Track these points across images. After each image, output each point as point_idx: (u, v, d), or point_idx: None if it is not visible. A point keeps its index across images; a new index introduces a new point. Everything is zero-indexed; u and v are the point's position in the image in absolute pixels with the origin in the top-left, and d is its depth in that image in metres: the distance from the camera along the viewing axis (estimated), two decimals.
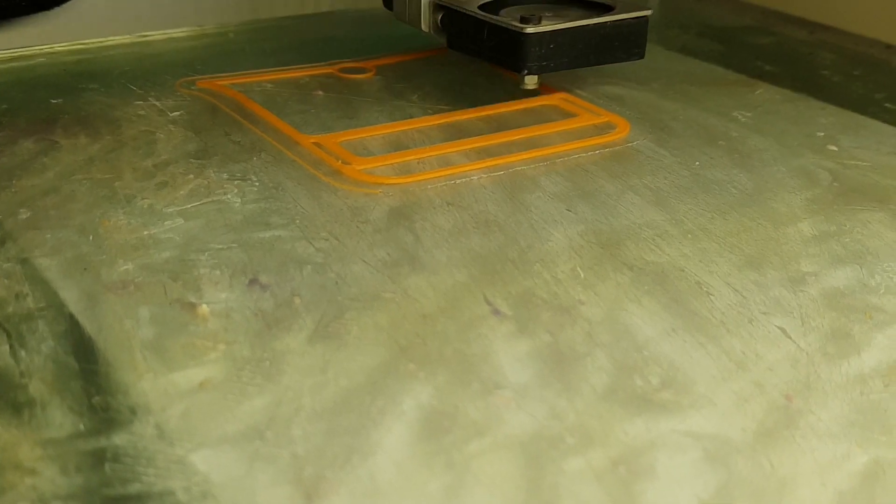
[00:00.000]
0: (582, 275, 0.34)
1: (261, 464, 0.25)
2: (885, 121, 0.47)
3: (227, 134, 0.44)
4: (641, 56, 0.47)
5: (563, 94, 0.48)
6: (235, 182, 0.39)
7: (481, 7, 0.47)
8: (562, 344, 0.30)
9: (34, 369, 0.28)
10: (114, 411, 0.27)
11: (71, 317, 0.31)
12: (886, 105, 0.49)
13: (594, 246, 0.35)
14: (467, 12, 0.46)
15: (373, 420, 0.27)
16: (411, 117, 0.46)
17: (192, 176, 0.40)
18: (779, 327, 0.31)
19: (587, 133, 0.45)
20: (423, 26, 0.49)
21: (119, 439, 0.26)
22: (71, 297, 0.32)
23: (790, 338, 0.31)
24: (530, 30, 0.44)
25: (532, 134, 0.44)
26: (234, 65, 0.52)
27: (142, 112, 0.46)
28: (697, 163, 0.42)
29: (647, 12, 0.47)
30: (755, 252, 0.35)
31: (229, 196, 0.38)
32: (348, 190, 0.39)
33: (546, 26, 0.44)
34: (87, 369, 0.28)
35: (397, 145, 0.43)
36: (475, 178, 0.40)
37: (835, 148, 0.44)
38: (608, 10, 0.47)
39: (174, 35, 0.57)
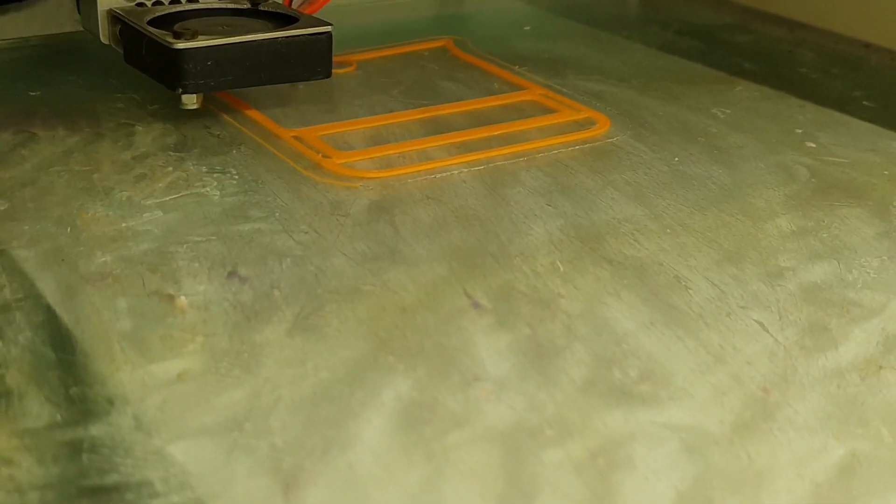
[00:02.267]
0: (561, 269, 0.34)
1: (239, 455, 0.25)
2: (862, 118, 0.47)
3: (207, 127, 0.43)
4: (327, 75, 0.43)
5: (543, 90, 0.49)
6: (215, 175, 0.39)
7: (158, 18, 0.43)
8: (541, 337, 0.30)
9: (11, 360, 0.28)
10: (91, 402, 0.27)
11: (48, 308, 0.31)
12: (864, 103, 0.50)
13: (574, 240, 0.35)
14: (132, 24, 0.42)
15: (352, 412, 0.27)
16: (392, 111, 0.46)
17: (171, 168, 0.39)
18: (756, 321, 0.31)
19: (567, 129, 0.45)
20: (103, 37, 0.44)
21: (96, 430, 0.26)
22: (48, 288, 0.32)
23: (768, 331, 0.31)
24: (181, 45, 0.40)
25: (512, 129, 0.44)
26: None
27: (121, 105, 0.46)
28: (677, 159, 0.42)
29: (328, 28, 0.42)
30: (733, 247, 0.35)
31: (208, 189, 0.38)
32: (328, 183, 0.39)
33: (201, 42, 0.40)
34: (65, 360, 0.28)
35: (378, 139, 0.43)
36: (455, 172, 0.40)
37: (813, 145, 0.44)
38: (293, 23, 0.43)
39: None
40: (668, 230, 0.36)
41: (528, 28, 0.60)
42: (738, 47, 0.58)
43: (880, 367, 0.29)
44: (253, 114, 0.45)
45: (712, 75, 0.53)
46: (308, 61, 0.42)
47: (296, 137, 0.43)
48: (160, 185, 0.38)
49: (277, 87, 0.48)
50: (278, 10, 0.45)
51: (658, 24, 0.63)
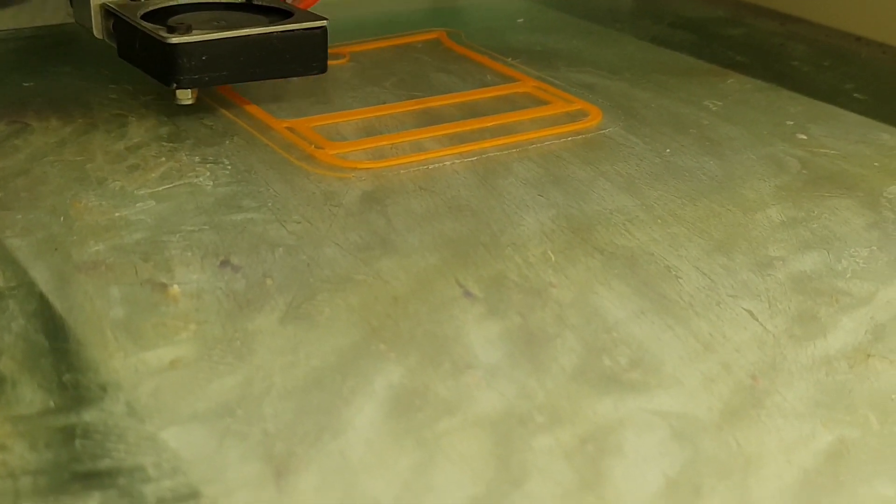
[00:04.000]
0: (553, 258, 0.34)
1: (231, 440, 0.25)
2: (853, 110, 0.48)
3: (200, 118, 0.43)
4: (322, 70, 0.43)
5: (535, 82, 0.49)
6: (208, 165, 0.39)
7: (153, 13, 0.43)
8: (532, 325, 0.30)
9: (4, 347, 0.28)
10: (84, 389, 0.27)
11: (42, 296, 0.31)
12: (855, 95, 0.50)
13: (565, 230, 0.36)
14: (125, 18, 0.42)
15: (344, 399, 0.27)
16: (385, 103, 0.46)
17: (164, 159, 0.40)
18: (746, 310, 0.31)
19: (560, 120, 0.45)
20: (96, 32, 0.44)
21: (89, 416, 0.26)
22: (42, 276, 0.32)
23: (757, 320, 0.31)
24: (175, 40, 0.39)
25: (505, 121, 0.44)
26: None
27: (114, 95, 0.46)
28: (668, 150, 0.42)
29: (323, 23, 0.42)
30: (724, 237, 0.36)
31: (201, 179, 0.38)
32: (321, 174, 0.39)
33: (195, 36, 0.39)
34: (58, 347, 0.28)
35: (370, 130, 0.43)
36: (448, 163, 0.41)
37: (804, 136, 0.44)
38: (288, 18, 0.43)
39: None
40: (660, 220, 0.37)
41: (521, 20, 0.60)
42: (730, 40, 0.59)
43: (868, 356, 0.30)
44: (246, 105, 0.45)
45: (704, 68, 0.53)
46: (303, 56, 0.42)
47: (289, 128, 0.43)
48: (153, 175, 0.38)
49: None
50: (273, 5, 0.44)
51: (650, 17, 0.63)
